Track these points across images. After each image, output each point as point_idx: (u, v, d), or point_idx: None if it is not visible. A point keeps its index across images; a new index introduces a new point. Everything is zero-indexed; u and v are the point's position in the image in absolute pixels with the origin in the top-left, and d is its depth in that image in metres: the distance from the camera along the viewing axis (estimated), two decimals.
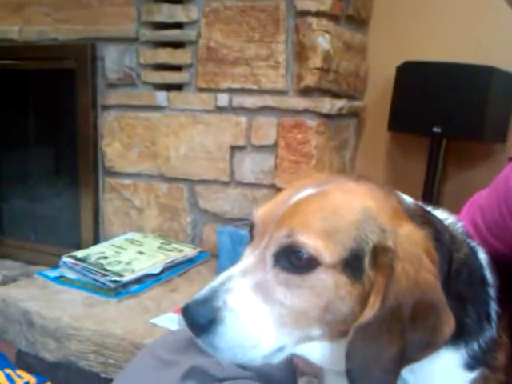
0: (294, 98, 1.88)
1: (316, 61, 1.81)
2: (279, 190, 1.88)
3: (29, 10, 2.20)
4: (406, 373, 0.68)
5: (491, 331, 0.71)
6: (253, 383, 0.88)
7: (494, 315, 0.72)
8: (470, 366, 0.70)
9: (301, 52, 1.83)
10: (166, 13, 1.99)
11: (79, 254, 1.93)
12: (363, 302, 0.64)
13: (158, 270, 1.86)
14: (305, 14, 1.81)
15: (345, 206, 0.67)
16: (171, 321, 1.56)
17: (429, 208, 0.77)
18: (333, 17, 1.86)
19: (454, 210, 0.86)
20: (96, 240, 2.22)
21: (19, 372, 1.68)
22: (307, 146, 1.89)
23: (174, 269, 1.92)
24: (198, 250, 2.04)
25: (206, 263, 2.02)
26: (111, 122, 2.16)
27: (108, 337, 1.54)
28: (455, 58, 1.84)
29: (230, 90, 1.95)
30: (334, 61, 1.88)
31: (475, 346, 0.70)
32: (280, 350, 0.67)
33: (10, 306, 1.75)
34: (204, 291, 0.65)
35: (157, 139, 2.10)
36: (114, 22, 2.06)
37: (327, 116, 1.90)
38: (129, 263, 1.86)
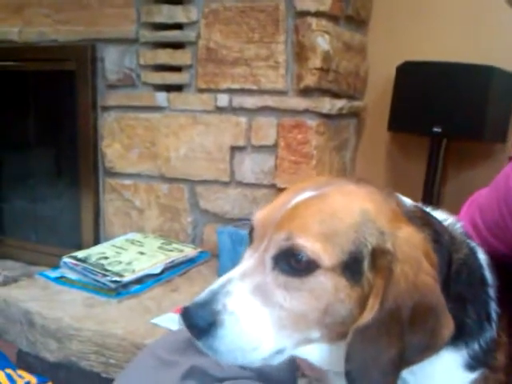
0: (294, 98, 1.88)
1: (316, 61, 1.81)
2: (279, 190, 1.89)
3: (29, 11, 2.20)
4: (407, 374, 0.68)
5: (491, 331, 0.71)
6: (253, 383, 0.89)
7: (494, 315, 0.72)
8: (470, 367, 0.70)
9: (300, 52, 1.83)
10: (165, 14, 1.99)
11: (80, 254, 1.93)
12: (362, 304, 0.64)
13: (158, 270, 1.86)
14: (304, 14, 1.81)
15: (344, 208, 0.67)
16: (172, 321, 1.57)
17: (428, 209, 0.77)
18: (332, 17, 1.86)
19: (454, 209, 0.86)
20: (96, 240, 2.22)
21: (20, 372, 1.69)
22: (307, 147, 1.89)
23: (174, 269, 1.92)
24: (199, 250, 2.05)
25: (207, 263, 2.03)
26: (111, 123, 2.16)
27: (109, 337, 1.54)
28: (455, 58, 1.84)
29: (230, 91, 1.95)
30: (334, 61, 1.87)
31: (476, 347, 0.70)
32: (280, 352, 0.67)
33: (11, 306, 1.76)
34: (204, 294, 0.66)
35: (157, 140, 2.10)
36: (113, 23, 2.06)
37: (327, 116, 1.90)
38: (129, 263, 1.86)
